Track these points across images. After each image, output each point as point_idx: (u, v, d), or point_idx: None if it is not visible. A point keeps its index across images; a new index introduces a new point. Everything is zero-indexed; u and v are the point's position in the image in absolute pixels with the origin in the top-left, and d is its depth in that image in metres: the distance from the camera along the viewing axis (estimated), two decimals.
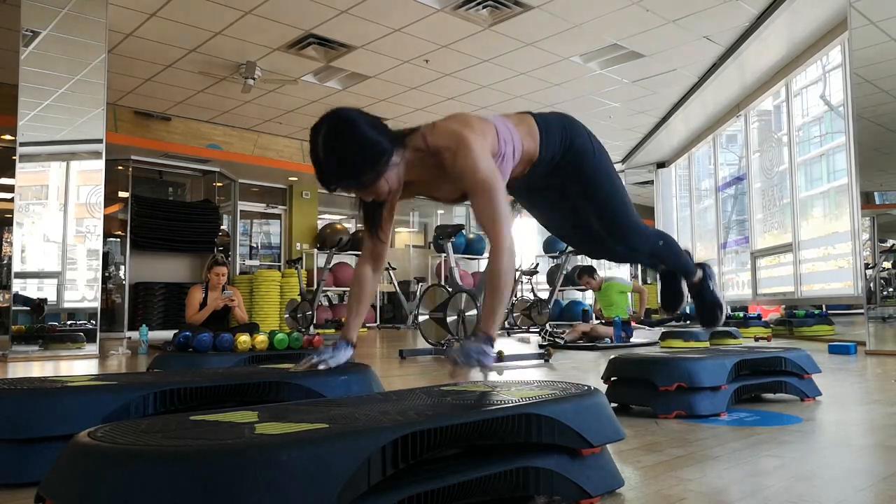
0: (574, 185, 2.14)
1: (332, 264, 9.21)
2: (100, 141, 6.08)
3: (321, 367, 1.97)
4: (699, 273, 2.55)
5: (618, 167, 12.13)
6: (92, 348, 5.82)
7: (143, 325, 6.90)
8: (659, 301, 2.69)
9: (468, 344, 1.68)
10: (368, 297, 2.08)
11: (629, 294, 7.15)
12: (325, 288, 9.06)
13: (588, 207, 2.19)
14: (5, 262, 8.67)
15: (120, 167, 9.70)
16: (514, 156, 1.92)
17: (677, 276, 2.55)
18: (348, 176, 1.72)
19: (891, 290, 5.84)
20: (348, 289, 12.07)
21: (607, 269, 13.13)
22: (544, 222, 2.46)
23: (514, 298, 7.79)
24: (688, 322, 10.02)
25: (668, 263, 2.49)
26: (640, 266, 13.04)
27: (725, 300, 2.64)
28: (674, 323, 9.67)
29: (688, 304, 2.65)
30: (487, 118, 1.91)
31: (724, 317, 2.64)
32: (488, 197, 1.77)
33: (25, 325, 5.81)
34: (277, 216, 12.20)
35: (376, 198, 1.81)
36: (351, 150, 1.69)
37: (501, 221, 1.78)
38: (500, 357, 4.65)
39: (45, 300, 5.87)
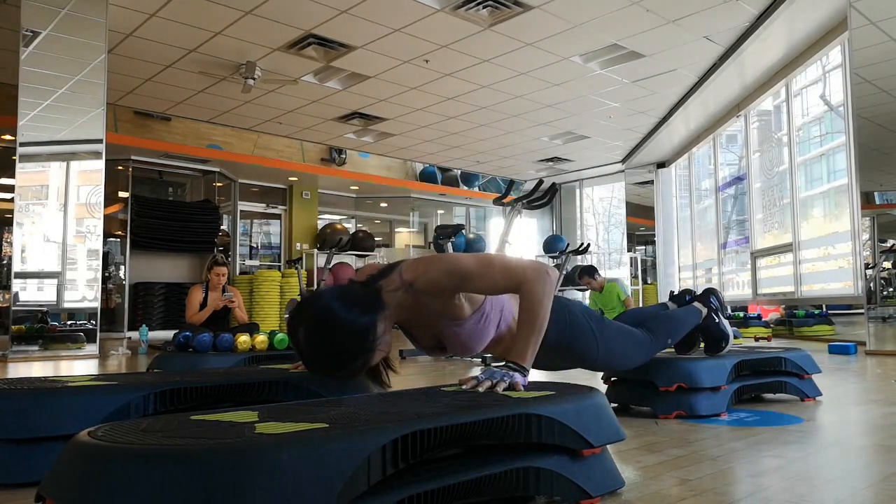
0: (580, 366, 2.17)
1: (331, 264, 9.20)
2: (100, 141, 6.08)
3: None
4: (703, 312, 2.60)
5: (618, 167, 12.14)
6: (92, 348, 5.82)
7: (143, 325, 6.91)
8: (674, 349, 2.75)
9: (495, 367, 1.60)
10: None
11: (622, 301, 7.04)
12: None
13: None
14: (5, 262, 8.66)
15: (120, 167, 9.70)
16: (498, 322, 1.79)
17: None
18: (347, 370, 1.62)
19: (891, 290, 5.84)
20: None
21: (608, 270, 13.15)
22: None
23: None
24: None
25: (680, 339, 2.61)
26: (639, 266, 13.06)
27: (731, 331, 2.69)
28: None
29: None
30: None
31: (728, 347, 2.69)
32: (484, 266, 1.65)
33: (25, 326, 5.81)
34: (277, 216, 12.20)
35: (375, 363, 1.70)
36: (333, 349, 1.56)
37: (515, 268, 1.66)
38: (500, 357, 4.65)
39: (46, 312, 5.88)
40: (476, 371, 3.89)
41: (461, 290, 1.67)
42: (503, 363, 1.62)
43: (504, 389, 1.51)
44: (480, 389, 1.50)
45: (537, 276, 1.65)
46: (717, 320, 2.63)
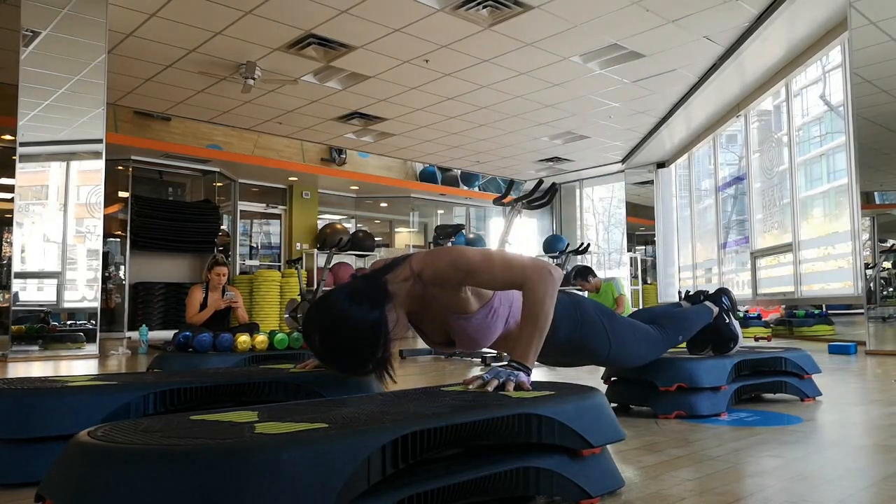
0: (591, 362, 2.19)
1: (332, 264, 9.20)
2: (100, 141, 6.08)
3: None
4: (715, 311, 2.60)
5: (618, 167, 12.14)
6: (92, 348, 5.82)
7: (143, 325, 6.91)
8: (686, 347, 2.75)
9: (499, 367, 1.61)
10: None
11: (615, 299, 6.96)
12: (325, 288, 9.05)
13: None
14: (5, 262, 8.66)
15: (120, 167, 9.70)
16: (507, 317, 1.81)
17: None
18: (359, 368, 1.63)
19: (891, 290, 5.84)
20: None
21: (608, 270, 13.15)
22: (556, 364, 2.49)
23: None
24: None
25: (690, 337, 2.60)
26: (639, 266, 13.06)
27: (741, 332, 2.69)
28: None
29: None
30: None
31: (737, 347, 2.69)
32: (489, 262, 1.68)
33: (25, 326, 5.81)
34: (277, 216, 12.20)
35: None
36: (350, 347, 1.57)
37: (519, 266, 1.68)
38: (500, 357, 4.65)
39: (49, 313, 5.88)
40: (476, 371, 3.90)
41: (465, 283, 1.69)
42: (506, 363, 1.63)
43: (513, 388, 1.52)
44: (489, 389, 1.51)
45: (540, 276, 1.66)
46: (727, 320, 2.63)
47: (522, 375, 1.56)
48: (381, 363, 1.61)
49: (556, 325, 1.78)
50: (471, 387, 1.56)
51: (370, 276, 1.67)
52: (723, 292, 2.68)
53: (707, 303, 2.63)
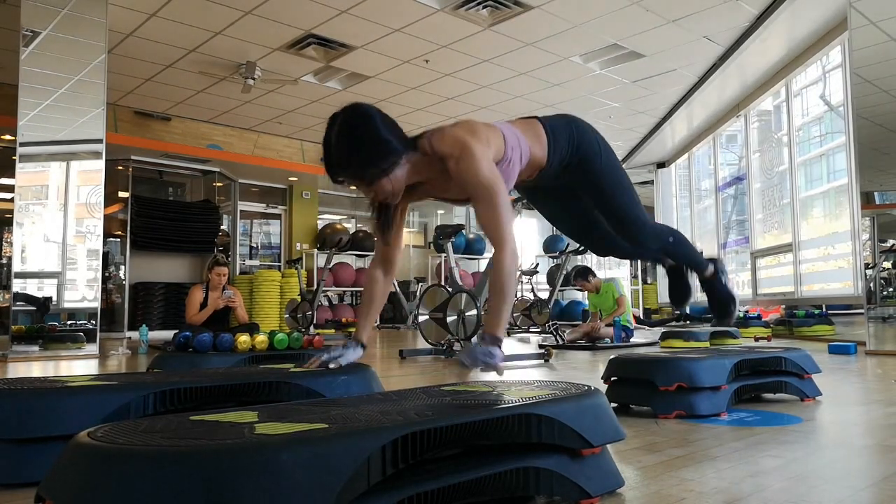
0: (582, 185, 2.18)
1: (332, 264, 9.20)
2: (100, 141, 6.08)
3: (332, 365, 2.00)
4: (711, 268, 2.52)
5: None
6: (92, 348, 5.82)
7: (143, 325, 6.91)
8: (668, 296, 2.66)
9: (475, 347, 1.72)
10: (381, 299, 2.10)
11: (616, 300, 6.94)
12: (325, 288, 9.07)
13: (597, 206, 2.22)
14: (5, 262, 8.66)
15: (120, 167, 9.70)
16: (521, 160, 1.94)
17: (685, 271, 2.54)
18: (354, 168, 1.76)
19: (891, 290, 5.83)
20: (348, 289, 12.01)
21: (608, 270, 13.14)
22: (553, 220, 2.50)
23: (515, 298, 7.77)
24: (688, 322, 10.01)
25: (678, 259, 2.50)
26: (639, 266, 13.06)
27: (738, 294, 2.62)
28: (674, 323, 9.65)
29: (693, 301, 2.64)
30: (494, 125, 1.93)
31: (737, 311, 2.58)
32: (490, 202, 1.79)
33: (25, 325, 5.81)
34: (277, 216, 12.20)
35: (377, 196, 1.83)
36: (362, 144, 1.73)
37: (504, 225, 1.80)
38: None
39: (49, 298, 5.87)
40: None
41: (466, 193, 1.85)
42: (482, 340, 1.74)
43: (491, 367, 1.67)
44: (469, 381, 1.67)
45: (513, 256, 1.79)
46: (723, 281, 2.53)
47: (497, 352, 1.68)
48: (366, 180, 1.76)
49: (556, 138, 1.99)
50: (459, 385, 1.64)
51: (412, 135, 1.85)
52: (716, 258, 2.61)
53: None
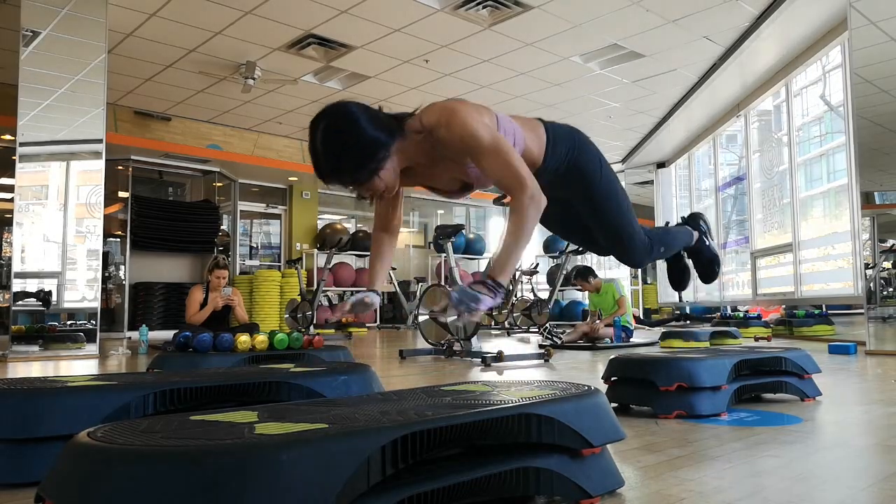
0: (578, 201, 2.14)
1: (332, 264, 9.20)
2: (100, 141, 6.08)
3: (362, 302, 1.93)
4: (695, 235, 2.57)
5: (618, 167, 12.13)
6: (92, 348, 5.82)
7: (143, 325, 6.90)
8: (668, 281, 2.72)
9: (467, 287, 1.63)
10: (389, 254, 2.08)
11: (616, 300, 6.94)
12: (325, 288, 9.06)
13: (590, 222, 2.20)
14: (5, 262, 8.66)
15: (120, 167, 9.70)
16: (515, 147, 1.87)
17: (681, 255, 2.61)
18: (346, 174, 1.70)
19: (891, 290, 5.83)
20: (348, 289, 11.98)
21: (608, 270, 13.14)
22: (545, 224, 2.46)
23: (515, 298, 7.78)
24: (688, 322, 10.00)
25: (671, 255, 2.56)
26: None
27: (720, 253, 2.68)
28: (674, 323, 9.65)
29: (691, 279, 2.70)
30: (489, 108, 1.87)
31: (720, 270, 2.66)
32: (493, 151, 1.70)
33: (25, 325, 5.81)
34: (277, 216, 12.20)
35: (371, 194, 1.79)
36: (349, 148, 1.66)
37: (517, 167, 1.70)
38: (500, 357, 4.66)
39: (49, 292, 5.87)
40: (477, 371, 3.91)
41: (469, 158, 1.75)
42: (480, 281, 1.65)
43: (470, 315, 1.60)
44: (447, 320, 1.60)
45: (534, 197, 1.69)
46: (707, 242, 2.61)
47: (487, 300, 1.60)
48: (359, 182, 1.69)
49: (555, 142, 1.91)
50: (435, 308, 1.63)
51: (388, 113, 1.74)
52: (697, 216, 2.65)
53: (686, 226, 2.61)
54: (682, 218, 2.70)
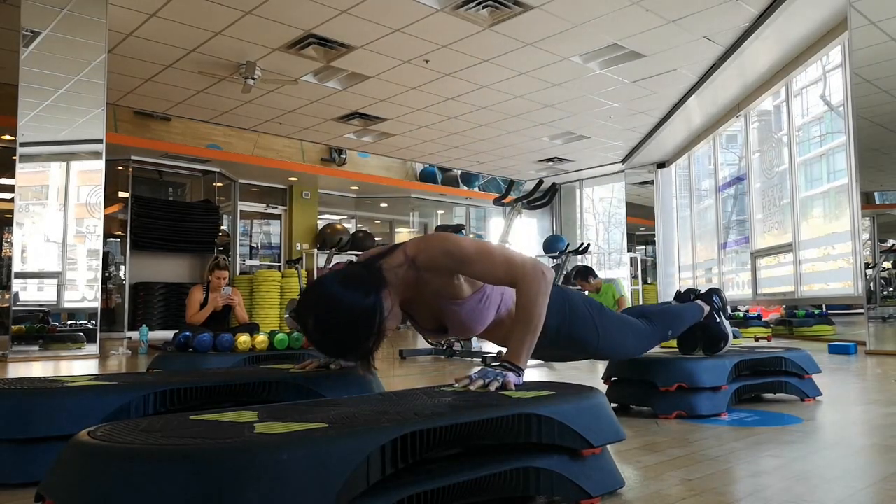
0: (581, 354, 2.18)
1: (332, 264, 9.20)
2: (100, 141, 6.08)
3: (332, 366, 1.98)
4: (706, 310, 2.59)
5: (618, 167, 12.14)
6: (92, 348, 5.82)
7: (143, 326, 6.91)
8: (677, 346, 2.74)
9: (490, 368, 1.61)
10: None
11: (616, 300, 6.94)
12: None
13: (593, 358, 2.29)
14: (5, 262, 8.66)
15: (120, 167, 9.70)
16: (498, 304, 1.81)
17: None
18: (358, 350, 1.58)
19: (891, 290, 5.83)
20: None
21: (608, 270, 13.15)
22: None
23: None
24: None
25: (680, 333, 2.60)
26: (639, 266, 13.06)
27: (732, 331, 2.68)
28: None
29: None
30: None
31: (727, 347, 2.68)
32: (480, 254, 1.67)
33: (25, 326, 5.81)
34: (277, 216, 12.20)
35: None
36: (349, 331, 1.54)
37: (511, 258, 1.68)
38: (500, 357, 4.65)
39: (48, 313, 5.88)
40: (476, 370, 3.90)
41: (458, 272, 1.70)
42: (499, 363, 1.63)
43: (497, 389, 1.52)
44: (472, 388, 1.53)
45: (535, 275, 1.67)
46: (717, 320, 2.63)
47: (511, 376, 1.57)
48: (375, 348, 1.59)
49: (546, 318, 1.78)
50: (457, 385, 1.57)
51: (365, 262, 1.66)
52: (714, 292, 2.67)
53: (698, 301, 2.62)
54: (696, 293, 2.70)
